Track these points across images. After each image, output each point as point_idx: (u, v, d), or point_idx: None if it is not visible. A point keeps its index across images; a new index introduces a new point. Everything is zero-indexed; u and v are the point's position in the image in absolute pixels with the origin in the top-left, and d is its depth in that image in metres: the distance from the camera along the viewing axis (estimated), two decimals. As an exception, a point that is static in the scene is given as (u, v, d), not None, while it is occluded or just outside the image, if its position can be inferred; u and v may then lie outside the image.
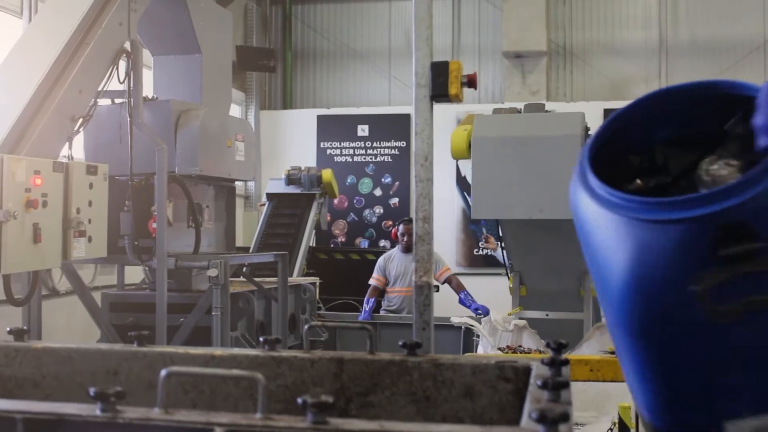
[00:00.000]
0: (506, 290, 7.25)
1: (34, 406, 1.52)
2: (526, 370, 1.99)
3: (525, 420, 1.41)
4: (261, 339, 2.12)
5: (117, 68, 5.61)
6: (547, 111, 6.78)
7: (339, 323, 8.75)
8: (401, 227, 9.34)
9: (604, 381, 4.18)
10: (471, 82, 3.36)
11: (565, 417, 1.28)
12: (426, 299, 3.03)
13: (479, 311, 8.18)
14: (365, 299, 9.16)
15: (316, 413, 1.34)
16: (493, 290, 9.52)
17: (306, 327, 2.23)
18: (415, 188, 3.09)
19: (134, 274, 7.49)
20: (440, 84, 3.05)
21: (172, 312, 6.06)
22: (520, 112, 6.38)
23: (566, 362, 1.74)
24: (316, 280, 8.93)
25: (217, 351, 2.17)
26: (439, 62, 3.11)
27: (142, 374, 2.24)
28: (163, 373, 1.41)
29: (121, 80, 5.67)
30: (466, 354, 5.99)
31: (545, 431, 1.27)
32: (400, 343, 2.12)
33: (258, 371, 2.21)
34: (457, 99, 3.15)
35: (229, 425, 1.36)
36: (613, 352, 4.08)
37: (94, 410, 1.43)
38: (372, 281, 9.42)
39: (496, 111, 6.41)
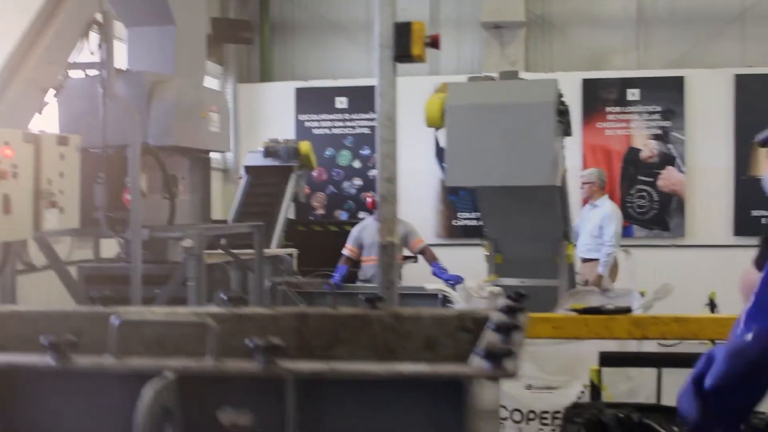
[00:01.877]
0: (481, 261, 7.28)
1: (-14, 356, 1.53)
2: (486, 320, 2.01)
3: (473, 358, 1.44)
4: (224, 296, 2.13)
5: (89, 39, 5.58)
6: (521, 79, 6.78)
7: (302, 280, 8.74)
8: (369, 199, 9.41)
9: (567, 338, 4.21)
10: (434, 42, 3.36)
11: (510, 353, 1.30)
12: (390, 258, 3.05)
13: (451, 282, 8.24)
14: (337, 267, 9.20)
15: (265, 355, 1.36)
16: (471, 260, 9.56)
17: (269, 284, 2.24)
18: (378, 149, 3.09)
19: (111, 248, 7.47)
20: (403, 45, 3.05)
21: (148, 284, 6.05)
22: (494, 80, 6.39)
23: (522, 309, 1.76)
24: (294, 251, 8.93)
25: (180, 310, 2.18)
26: (402, 23, 3.10)
27: (107, 335, 2.24)
28: (116, 321, 1.42)
29: (93, 52, 5.64)
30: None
31: (491, 367, 1.29)
32: (362, 297, 2.14)
33: (221, 326, 2.24)
34: (420, 59, 3.15)
35: (180, 369, 1.37)
36: (575, 310, 4.10)
37: (47, 360, 1.43)
38: (345, 251, 9.46)
39: (471, 79, 6.42)
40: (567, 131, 6.14)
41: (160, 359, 1.40)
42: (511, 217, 6.37)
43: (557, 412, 4.90)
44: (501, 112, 5.64)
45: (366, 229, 9.39)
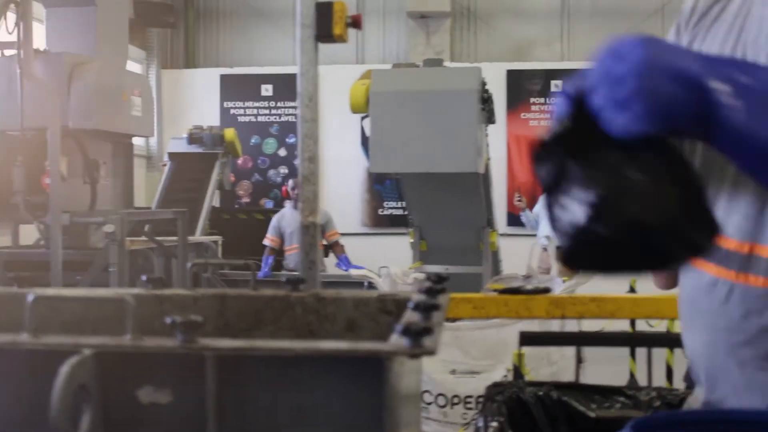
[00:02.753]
0: (407, 248, 7.32)
1: None
2: (407, 302, 2.02)
3: (392, 335, 1.44)
4: (143, 278, 2.10)
5: (5, 18, 5.46)
6: (445, 66, 6.82)
7: (225, 261, 8.71)
8: (291, 182, 9.39)
9: (488, 319, 4.26)
10: (356, 22, 3.36)
11: (429, 330, 1.30)
12: (312, 239, 3.05)
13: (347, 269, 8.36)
14: (263, 259, 9.19)
15: (184, 332, 1.34)
16: (397, 249, 9.61)
17: (189, 265, 2.23)
18: (299, 129, 3.09)
19: (29, 235, 7.32)
20: (324, 24, 3.04)
21: (69, 270, 5.95)
22: (418, 67, 6.42)
23: (443, 290, 1.77)
24: (219, 238, 8.88)
25: (99, 291, 2.14)
26: (323, 2, 3.10)
27: (21, 317, 2.19)
28: (30, 297, 1.39)
29: (10, 31, 5.52)
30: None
31: (409, 344, 1.29)
32: (284, 279, 2.13)
33: (141, 308, 2.21)
34: (341, 39, 3.14)
35: (97, 346, 1.35)
36: (496, 290, 4.16)
37: (-41, 337, 1.40)
38: (266, 241, 9.44)
39: (395, 66, 6.44)
40: (490, 119, 6.20)
41: (77, 337, 1.37)
42: (435, 205, 6.42)
43: (481, 396, 4.96)
44: (425, 99, 5.67)
45: (285, 218, 9.39)
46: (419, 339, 1.28)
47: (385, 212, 13.03)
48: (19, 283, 2.34)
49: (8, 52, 5.96)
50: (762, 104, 1.09)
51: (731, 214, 1.34)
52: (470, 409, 5.05)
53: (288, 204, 9.53)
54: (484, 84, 5.89)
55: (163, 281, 2.24)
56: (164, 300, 2.18)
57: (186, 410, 1.37)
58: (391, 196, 12.94)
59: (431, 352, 1.29)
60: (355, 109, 5.99)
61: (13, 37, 5.53)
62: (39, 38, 5.98)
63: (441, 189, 6.09)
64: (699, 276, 1.41)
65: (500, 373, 4.87)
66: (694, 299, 1.44)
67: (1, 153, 5.35)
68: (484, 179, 6.30)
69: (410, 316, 1.55)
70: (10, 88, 5.74)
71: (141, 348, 1.34)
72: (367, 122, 12.61)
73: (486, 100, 5.89)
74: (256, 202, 13.22)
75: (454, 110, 5.50)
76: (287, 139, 13.20)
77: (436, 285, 1.86)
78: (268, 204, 13.19)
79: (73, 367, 1.28)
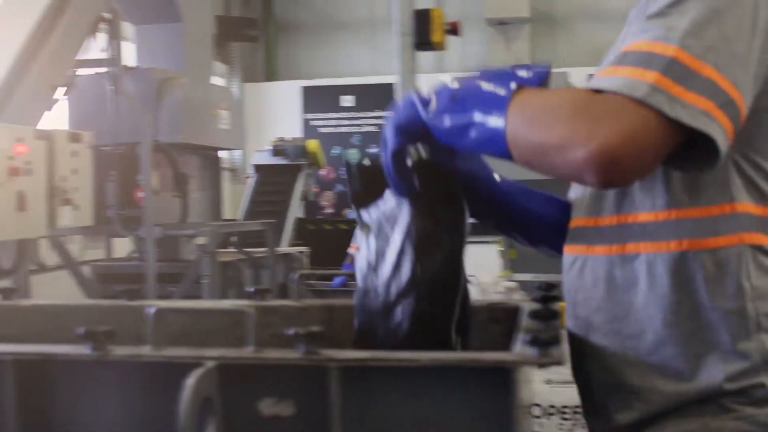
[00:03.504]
0: (495, 257, 7.25)
1: (23, 347, 1.51)
2: (516, 311, 1.98)
3: (517, 345, 1.41)
4: (250, 290, 2.11)
5: (97, 37, 5.58)
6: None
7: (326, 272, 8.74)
8: None
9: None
10: (454, 29, 3.32)
11: (557, 340, 1.27)
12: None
13: None
14: (343, 266, 9.16)
15: (307, 344, 1.33)
16: (484, 258, 9.53)
17: (296, 276, 2.22)
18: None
19: (122, 247, 7.45)
20: (423, 32, 3.00)
21: (161, 282, 6.04)
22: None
23: (558, 298, 1.74)
24: (305, 249, 8.92)
25: (206, 303, 2.15)
26: (421, 10, 3.06)
27: (132, 328, 2.21)
28: (151, 310, 1.40)
29: (103, 49, 5.63)
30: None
31: (537, 353, 1.26)
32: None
33: (249, 320, 2.21)
34: (440, 47, 3.11)
35: (219, 358, 1.35)
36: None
37: (83, 349, 1.41)
38: (351, 250, 9.42)
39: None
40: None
41: (198, 349, 1.37)
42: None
43: (578, 406, 4.87)
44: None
45: None
46: (547, 348, 1.25)
47: (470, 220, 12.96)
48: (128, 294, 2.36)
49: (100, 70, 6.08)
50: (444, 107, 1.45)
51: (583, 195, 1.55)
52: (566, 419, 4.97)
53: None
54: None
55: (269, 291, 2.24)
56: (271, 311, 2.18)
57: (308, 422, 1.36)
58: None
59: (559, 362, 1.26)
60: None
61: (105, 54, 5.64)
62: (127, 56, 6.09)
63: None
64: (564, 258, 1.60)
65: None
66: (564, 282, 1.61)
67: (95, 168, 5.45)
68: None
69: (529, 325, 1.52)
70: (103, 104, 5.85)
71: (264, 360, 1.34)
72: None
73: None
74: (339, 212, 13.28)
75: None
76: (369, 150, 13.24)
77: (549, 293, 1.82)
78: (351, 214, 13.23)
79: (198, 379, 1.28)
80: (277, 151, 10.55)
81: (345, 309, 2.16)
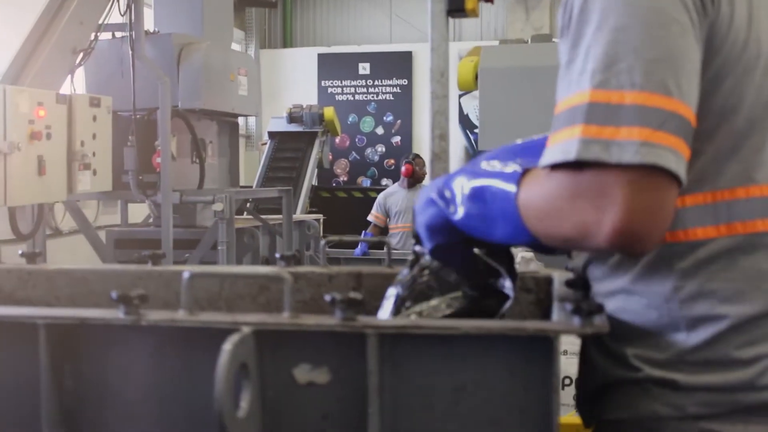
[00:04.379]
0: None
1: (56, 311, 1.50)
2: (548, 280, 1.97)
3: (557, 313, 1.39)
4: (278, 255, 2.09)
5: (118, 0, 5.54)
6: (553, 42, 6.70)
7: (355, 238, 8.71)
8: (405, 167, 9.32)
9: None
10: (488, -4, 3.27)
11: (600, 309, 1.26)
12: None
13: None
14: (363, 234, 9.18)
15: (344, 309, 1.32)
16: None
17: (323, 242, 2.21)
18: (431, 105, 3.05)
19: (137, 213, 7.46)
20: (457, -2, 2.97)
21: (177, 248, 6.04)
22: (527, 44, 6.32)
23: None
24: (320, 216, 8.92)
25: (234, 268, 2.13)
26: (455, -24, 3.02)
27: (157, 293, 2.21)
28: (186, 275, 1.38)
29: (122, 12, 5.60)
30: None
31: (580, 322, 1.25)
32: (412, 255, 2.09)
33: (275, 286, 2.20)
34: (474, 14, 3.07)
35: (256, 324, 1.34)
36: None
37: (117, 314, 1.40)
38: (371, 218, 9.42)
39: (502, 42, 6.35)
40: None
41: (234, 315, 1.36)
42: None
43: (566, 377, 4.89)
44: (534, 75, 5.57)
45: (392, 197, 9.34)
46: (590, 317, 1.24)
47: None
48: (152, 258, 2.35)
49: (118, 34, 6.05)
50: (467, 209, 1.44)
51: None
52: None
53: (396, 183, 9.48)
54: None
55: (297, 257, 2.23)
56: (299, 277, 2.17)
57: (343, 389, 1.35)
58: (488, 174, 12.83)
59: (604, 331, 1.24)
60: (463, 87, 5.92)
61: (124, 19, 5.60)
62: (147, 21, 6.05)
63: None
64: None
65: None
66: None
67: (113, 134, 5.44)
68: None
69: (565, 294, 1.50)
70: (122, 69, 5.83)
71: (301, 326, 1.32)
72: (465, 100, 12.52)
73: (596, 75, 5.76)
74: (353, 181, 13.27)
75: (564, 86, 5.39)
76: (385, 118, 13.20)
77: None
78: (365, 182, 13.22)
79: (235, 344, 1.26)
80: (292, 118, 10.50)
81: (374, 276, 2.15)
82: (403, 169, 9.55)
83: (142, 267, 2.31)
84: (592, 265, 1.47)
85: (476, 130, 12.58)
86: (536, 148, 1.40)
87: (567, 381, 5.05)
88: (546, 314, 1.92)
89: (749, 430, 1.33)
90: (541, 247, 1.41)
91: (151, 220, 6.93)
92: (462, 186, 1.44)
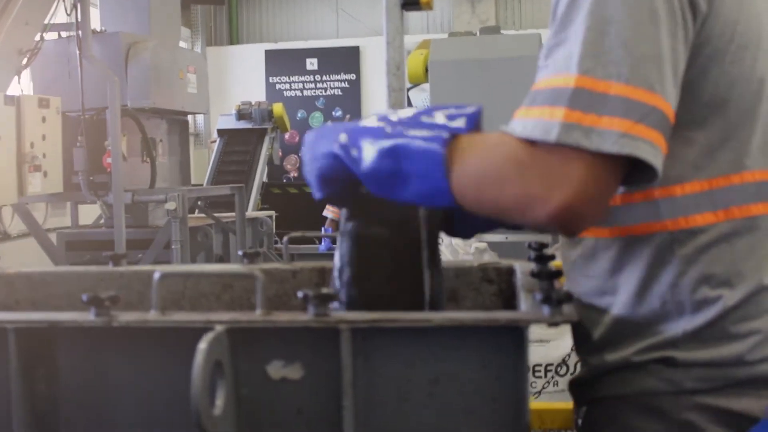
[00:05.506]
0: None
1: (25, 315, 1.49)
2: (509, 271, 1.99)
3: (524, 303, 1.42)
4: (240, 253, 2.09)
5: (63, 0, 5.48)
6: (502, 34, 6.75)
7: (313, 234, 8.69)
8: None
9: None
10: (441, -10, 3.28)
11: (569, 297, 1.28)
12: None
13: None
14: (323, 230, 9.16)
15: (317, 305, 1.33)
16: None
17: (285, 239, 2.22)
18: (387, 98, 3.06)
19: (87, 214, 7.38)
20: (412, -9, 2.98)
21: (130, 248, 5.99)
22: (475, 36, 6.36)
23: (552, 257, 1.74)
24: (273, 213, 8.89)
25: (195, 267, 2.13)
26: (410, -32, 3.03)
27: (119, 294, 2.18)
28: (156, 275, 1.38)
29: (68, 12, 5.53)
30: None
31: (550, 312, 1.27)
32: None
33: (239, 284, 2.20)
34: (428, 6, 3.08)
35: (229, 322, 1.34)
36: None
37: (89, 316, 1.39)
38: (327, 213, 9.39)
39: (451, 35, 6.38)
40: (549, 86, 6.12)
41: (206, 314, 1.37)
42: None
43: (550, 364, 4.94)
44: (485, 67, 5.61)
45: None
46: (559, 307, 1.26)
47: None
48: (113, 259, 2.34)
49: (64, 34, 5.98)
50: (375, 165, 1.39)
51: None
52: (539, 377, 5.02)
53: None
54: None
55: (259, 254, 2.23)
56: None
57: (317, 384, 1.36)
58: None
59: (573, 320, 1.26)
60: (413, 80, 5.95)
61: (70, 18, 5.54)
62: (93, 21, 5.99)
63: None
64: None
65: (569, 342, 4.84)
66: None
67: (62, 134, 5.38)
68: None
69: (530, 284, 1.53)
70: (70, 69, 5.77)
71: (275, 323, 1.33)
72: (413, 93, 12.56)
73: (544, 67, 5.82)
74: (303, 176, 13.25)
75: (514, 77, 5.44)
76: (333, 113, 13.20)
77: (543, 252, 1.82)
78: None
79: (210, 343, 1.27)
80: (241, 115, 10.46)
81: (337, 271, 2.16)
82: None
83: (103, 268, 2.30)
84: (591, 261, 1.49)
85: (425, 123, 12.61)
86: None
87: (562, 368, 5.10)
88: (508, 305, 1.95)
89: (742, 404, 1.37)
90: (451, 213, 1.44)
91: (102, 221, 6.87)
92: (373, 142, 1.40)
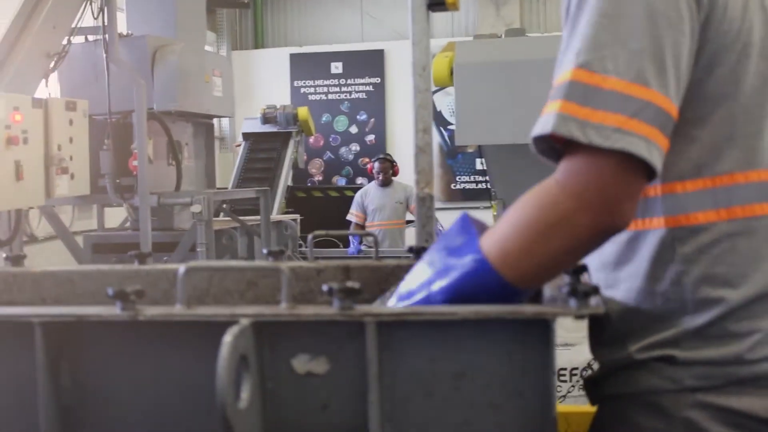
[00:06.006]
0: (490, 221, 7.24)
1: (52, 309, 1.49)
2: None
3: (550, 296, 1.41)
4: (264, 251, 2.10)
5: (90, 3, 5.52)
6: (527, 36, 6.72)
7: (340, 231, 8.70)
8: (377, 165, 9.37)
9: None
10: (466, -11, 3.27)
11: (596, 290, 1.27)
12: (428, 211, 3.02)
13: None
14: (350, 237, 9.19)
15: (342, 299, 1.32)
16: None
17: (310, 237, 2.22)
18: (413, 100, 3.07)
19: (113, 217, 7.42)
20: (438, -8, 2.98)
21: (156, 251, 6.00)
22: (500, 38, 6.34)
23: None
24: (297, 216, 8.91)
25: (221, 263, 2.14)
26: (435, -32, 3.03)
27: (145, 293, 2.19)
28: (181, 269, 1.38)
29: (95, 16, 5.57)
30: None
31: (577, 304, 1.26)
32: (407, 248, 2.11)
33: (264, 282, 2.20)
34: (454, 7, 3.08)
35: (255, 315, 1.34)
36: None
37: (115, 310, 1.40)
38: (351, 217, 9.45)
39: (476, 37, 6.37)
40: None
41: (232, 307, 1.37)
42: (520, 176, 6.32)
43: (575, 368, 4.91)
44: (510, 70, 5.59)
45: (368, 195, 9.39)
46: (586, 299, 1.25)
47: (458, 186, 12.97)
48: (138, 258, 2.35)
49: (92, 38, 6.02)
50: None
51: None
52: (564, 381, 4.99)
53: (373, 182, 9.54)
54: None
55: (283, 252, 2.23)
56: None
57: (342, 378, 1.36)
58: (463, 170, 12.88)
59: (600, 312, 1.26)
60: (438, 83, 5.93)
61: (97, 22, 5.58)
62: (120, 24, 6.02)
63: (525, 160, 5.98)
64: None
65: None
66: None
67: (89, 137, 5.42)
68: (569, 148, 6.20)
69: (556, 280, 1.53)
70: (96, 72, 5.80)
71: (300, 316, 1.33)
72: (437, 97, 12.55)
73: (570, 68, 5.80)
74: (328, 180, 13.25)
75: (540, 79, 5.41)
76: (358, 116, 13.20)
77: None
78: (341, 181, 13.21)
79: (235, 337, 1.27)
80: (266, 118, 10.47)
81: (362, 269, 2.15)
82: (368, 167, 9.71)
83: (128, 266, 2.31)
84: (597, 253, 1.50)
85: (450, 127, 12.69)
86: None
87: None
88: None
89: (743, 402, 1.37)
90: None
91: (128, 224, 6.90)
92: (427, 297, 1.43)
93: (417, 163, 3.02)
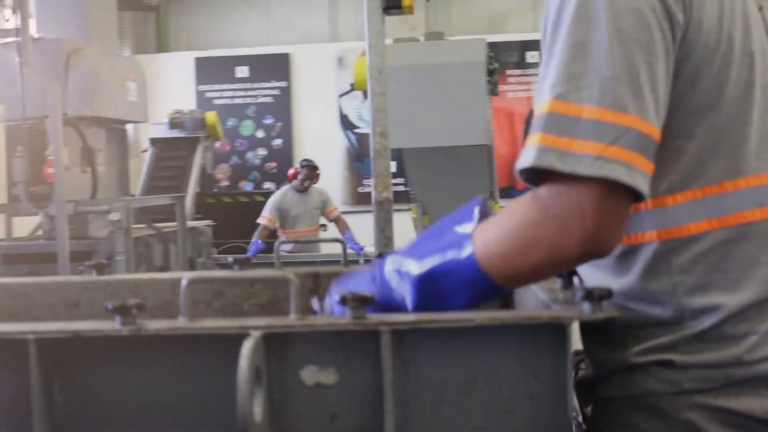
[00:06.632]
0: (402, 225, 7.27)
1: (47, 326, 1.44)
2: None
3: (556, 302, 1.43)
4: (231, 259, 2.07)
5: (3, 6, 5.35)
6: (447, 39, 6.77)
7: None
8: (305, 171, 9.19)
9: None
10: (421, -7, 3.28)
11: (610, 294, 1.29)
12: (387, 215, 3.03)
13: (357, 251, 8.29)
14: (252, 240, 9.00)
15: (355, 308, 1.32)
16: (397, 226, 9.55)
17: (277, 243, 2.19)
18: (370, 102, 3.06)
19: (21, 226, 7.19)
20: (394, -5, 2.98)
21: (71, 260, 5.85)
22: (419, 42, 6.38)
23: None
24: (210, 222, 8.79)
25: (185, 274, 2.10)
26: (390, -29, 3.03)
27: (104, 304, 2.14)
28: (184, 282, 1.36)
29: (7, 18, 5.40)
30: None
31: (590, 308, 1.28)
32: (377, 254, 2.11)
33: (231, 291, 2.17)
34: (410, 11, 3.09)
35: (265, 327, 1.32)
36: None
37: (115, 324, 1.36)
38: (261, 220, 9.21)
39: (395, 41, 6.38)
40: (494, 90, 6.19)
41: (239, 320, 1.35)
42: (440, 179, 6.38)
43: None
44: (432, 73, 5.64)
45: (287, 201, 9.22)
46: (600, 304, 1.27)
47: (365, 190, 12.98)
48: (96, 268, 2.29)
49: (2, 41, 5.84)
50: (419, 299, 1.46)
51: None
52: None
53: (289, 186, 9.35)
54: (489, 56, 5.88)
55: (249, 260, 2.20)
56: (255, 281, 2.15)
57: (352, 388, 1.35)
58: (369, 174, 12.90)
59: (614, 316, 1.28)
60: (359, 85, 5.93)
61: (9, 24, 5.41)
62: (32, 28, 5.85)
63: (446, 163, 6.05)
64: None
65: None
66: None
67: (2, 144, 5.25)
68: (489, 151, 6.29)
69: (550, 284, 1.54)
70: (9, 77, 5.63)
71: (313, 326, 1.31)
72: (344, 100, 12.55)
73: (491, 72, 5.88)
74: (235, 185, 13.11)
75: (462, 83, 5.48)
76: (264, 121, 13.10)
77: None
78: (248, 186, 13.09)
79: (251, 350, 1.25)
80: (173, 123, 10.30)
81: (331, 276, 2.14)
82: (290, 172, 9.56)
83: (86, 278, 2.25)
84: (592, 266, 1.50)
85: (357, 130, 12.71)
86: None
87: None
88: (507, 306, 1.96)
89: (742, 403, 1.39)
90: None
91: (40, 233, 6.70)
92: (408, 284, 1.47)
93: (375, 167, 3.02)
